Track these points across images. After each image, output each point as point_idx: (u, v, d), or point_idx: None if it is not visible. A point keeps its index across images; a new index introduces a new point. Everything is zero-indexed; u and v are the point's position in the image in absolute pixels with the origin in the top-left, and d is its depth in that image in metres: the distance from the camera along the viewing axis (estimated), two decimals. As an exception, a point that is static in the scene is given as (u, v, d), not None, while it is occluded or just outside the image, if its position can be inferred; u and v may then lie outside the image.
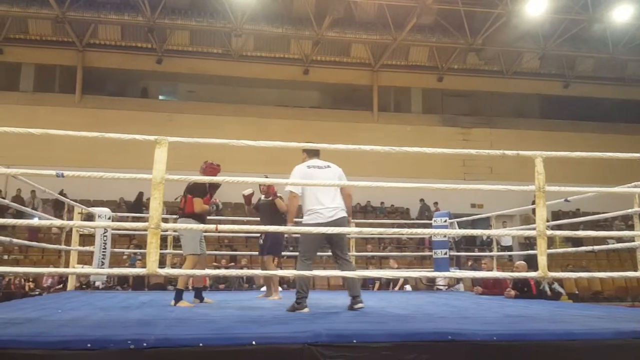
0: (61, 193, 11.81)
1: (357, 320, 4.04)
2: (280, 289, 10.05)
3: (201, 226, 4.89)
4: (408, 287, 11.34)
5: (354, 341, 2.96)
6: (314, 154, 4.87)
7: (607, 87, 20.66)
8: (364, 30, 17.61)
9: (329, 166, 4.82)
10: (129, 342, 2.75)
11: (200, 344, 2.81)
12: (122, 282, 11.09)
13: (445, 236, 8.48)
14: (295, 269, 4.97)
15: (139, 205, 15.84)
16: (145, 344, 2.75)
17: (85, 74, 18.49)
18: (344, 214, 4.74)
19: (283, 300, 5.85)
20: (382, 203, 18.64)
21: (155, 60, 18.61)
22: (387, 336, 3.07)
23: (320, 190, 4.66)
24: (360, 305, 4.70)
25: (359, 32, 17.64)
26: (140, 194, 16.07)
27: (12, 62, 18.39)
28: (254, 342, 2.85)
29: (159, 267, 3.71)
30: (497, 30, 17.01)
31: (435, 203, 17.26)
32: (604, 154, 4.68)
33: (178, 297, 5.17)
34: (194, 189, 5.37)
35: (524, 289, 6.85)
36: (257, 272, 5.07)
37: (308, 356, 2.85)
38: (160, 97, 20.17)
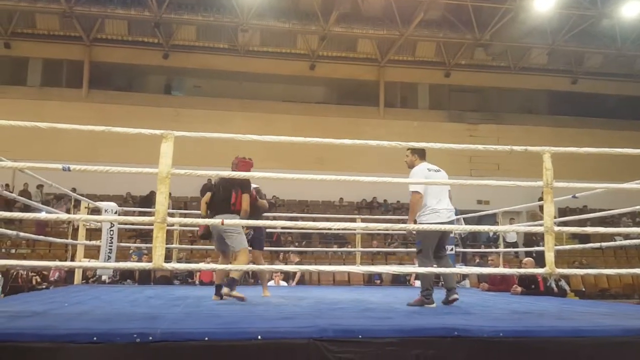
0: (72, 189, 11.84)
1: (363, 315, 4.04)
2: (285, 283, 10.12)
3: (206, 221, 4.86)
4: (418, 283, 11.26)
5: (360, 336, 2.94)
6: (423, 155, 5.01)
7: (615, 83, 20.50)
8: (371, 25, 17.54)
9: (439, 170, 5.02)
10: (135, 335, 2.75)
11: (206, 338, 2.81)
12: (129, 277, 11.12)
13: (451, 232, 8.45)
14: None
15: (149, 201, 15.87)
16: (151, 338, 2.75)
17: (92, 68, 18.56)
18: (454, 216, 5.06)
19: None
20: (384, 200, 18.55)
21: (162, 55, 18.65)
22: (393, 331, 3.05)
23: (441, 193, 4.94)
24: (455, 296, 4.87)
25: (365, 27, 17.57)
26: (152, 193, 16.07)
27: (19, 57, 18.49)
28: (259, 337, 2.85)
29: (165, 262, 3.72)
30: (505, 25, 16.91)
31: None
32: (612, 150, 4.63)
33: (233, 287, 5.13)
34: (244, 185, 5.14)
35: (532, 286, 6.82)
36: (264, 267, 5.06)
37: (314, 351, 2.84)
38: (167, 92, 20.21)
